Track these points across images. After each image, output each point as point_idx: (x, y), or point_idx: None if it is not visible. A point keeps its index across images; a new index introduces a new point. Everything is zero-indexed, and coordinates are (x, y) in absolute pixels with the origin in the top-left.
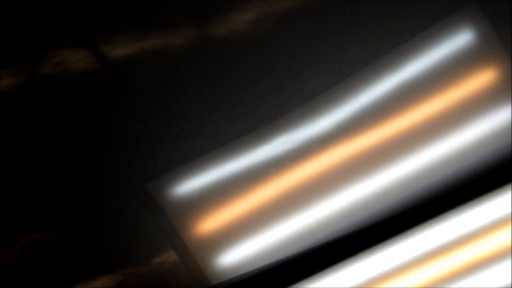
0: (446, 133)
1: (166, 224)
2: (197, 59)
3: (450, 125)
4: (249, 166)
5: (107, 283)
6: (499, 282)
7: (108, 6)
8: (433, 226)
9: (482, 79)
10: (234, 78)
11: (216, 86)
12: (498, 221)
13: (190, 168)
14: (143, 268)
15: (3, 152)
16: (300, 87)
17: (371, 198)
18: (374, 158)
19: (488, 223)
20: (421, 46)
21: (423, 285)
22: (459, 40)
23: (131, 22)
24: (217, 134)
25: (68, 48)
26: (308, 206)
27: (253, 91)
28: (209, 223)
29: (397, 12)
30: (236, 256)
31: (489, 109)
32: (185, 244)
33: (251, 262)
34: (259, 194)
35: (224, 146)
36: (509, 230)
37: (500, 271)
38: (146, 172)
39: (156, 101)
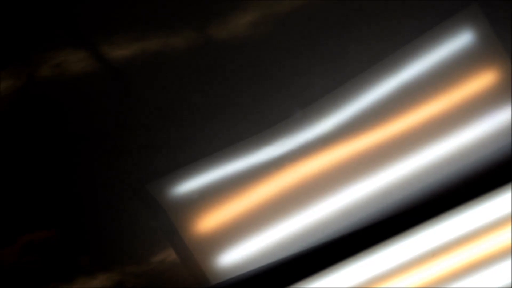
0: (447, 134)
1: (166, 224)
2: (197, 60)
3: (451, 126)
4: (249, 166)
5: (106, 283)
6: (499, 282)
7: (108, 7)
8: (433, 225)
9: (482, 80)
10: (234, 79)
11: (216, 88)
12: (498, 221)
13: (190, 168)
14: (142, 268)
15: (3, 153)
16: (301, 89)
17: (371, 198)
18: (374, 158)
19: (488, 223)
20: (422, 47)
21: (423, 285)
22: (460, 41)
23: (130, 23)
24: (218, 136)
25: (67, 49)
26: (308, 206)
27: (253, 93)
28: (209, 223)
29: (397, 14)
30: (236, 256)
31: (489, 110)
32: (185, 243)
33: (251, 262)
34: (259, 194)
35: (224, 147)
36: (509, 230)
37: (500, 271)
38: (146, 173)
39: (156, 102)
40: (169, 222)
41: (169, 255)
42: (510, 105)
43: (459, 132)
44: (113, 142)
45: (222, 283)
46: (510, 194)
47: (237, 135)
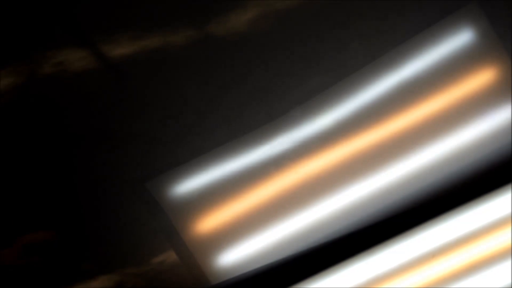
0: (446, 133)
1: (166, 224)
2: (197, 58)
3: (450, 125)
4: (249, 166)
5: (107, 283)
6: (499, 282)
7: (108, 5)
8: (433, 226)
9: (481, 78)
10: (234, 77)
11: (215, 85)
12: (498, 221)
13: (190, 168)
14: (142, 268)
15: (3, 152)
16: (300, 86)
17: (371, 198)
18: (373, 157)
19: (488, 223)
20: (421, 45)
21: (423, 285)
22: (459, 39)
23: (131, 22)
24: (217, 133)
25: (68, 48)
26: (308, 205)
27: (252, 90)
28: (209, 223)
29: (397, 11)
30: (236, 256)
31: (489, 109)
32: (185, 243)
33: (251, 262)
34: (259, 194)
35: (223, 146)
36: (509, 230)
37: (500, 272)
38: (146, 172)
39: (156, 100)
40: (169, 222)
41: (169, 255)
42: (510, 103)
43: (458, 131)
44: (113, 141)
45: (222, 283)
46: (510, 194)
47: (235, 132)
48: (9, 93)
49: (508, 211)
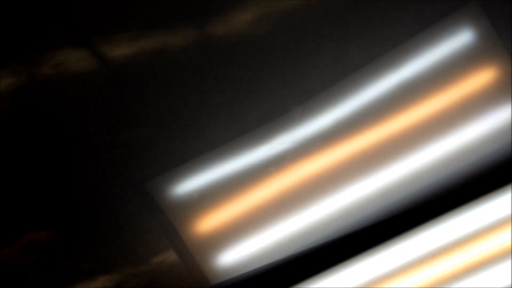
0: (446, 133)
1: (166, 224)
2: (196, 58)
3: (450, 125)
4: (248, 166)
5: (106, 283)
6: (499, 282)
7: (107, 6)
8: (433, 226)
9: (482, 78)
10: (234, 77)
11: (215, 86)
12: (498, 221)
13: (189, 168)
14: (142, 268)
15: (3, 152)
16: (300, 86)
17: (371, 198)
18: (374, 157)
19: (488, 224)
20: (421, 45)
21: (423, 285)
22: (459, 39)
23: (130, 22)
24: (217, 134)
25: (68, 49)
26: (308, 205)
27: (253, 91)
28: (209, 223)
29: (397, 11)
30: (236, 256)
31: (489, 109)
32: (184, 243)
33: (251, 262)
34: (259, 194)
35: (223, 146)
36: (509, 231)
37: (500, 272)
38: (145, 172)
39: (156, 101)
40: (169, 222)
41: (169, 255)
42: (510, 103)
43: (458, 131)
44: (113, 142)
45: (221, 283)
46: (510, 194)
47: (235, 133)
48: (8, 94)
49: (508, 212)
